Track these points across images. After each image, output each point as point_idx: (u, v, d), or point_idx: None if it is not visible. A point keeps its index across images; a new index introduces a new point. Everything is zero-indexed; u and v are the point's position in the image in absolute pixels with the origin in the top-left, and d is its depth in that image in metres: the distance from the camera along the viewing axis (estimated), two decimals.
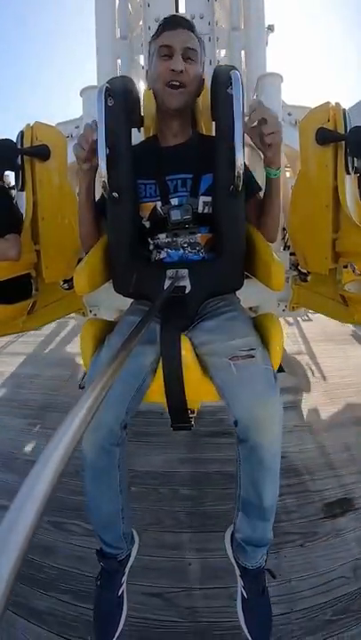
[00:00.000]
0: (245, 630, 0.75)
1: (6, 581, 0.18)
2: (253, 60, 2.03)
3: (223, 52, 2.25)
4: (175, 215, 0.89)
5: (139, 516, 1.15)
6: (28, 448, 1.51)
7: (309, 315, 2.84)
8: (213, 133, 0.94)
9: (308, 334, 2.81)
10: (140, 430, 1.57)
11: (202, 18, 2.06)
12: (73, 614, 0.88)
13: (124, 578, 0.81)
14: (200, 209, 0.91)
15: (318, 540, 1.06)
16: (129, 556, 0.83)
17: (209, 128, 1.11)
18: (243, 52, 2.13)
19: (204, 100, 0.98)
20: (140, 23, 2.21)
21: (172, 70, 0.86)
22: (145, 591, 0.93)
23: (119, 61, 2.14)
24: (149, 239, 0.94)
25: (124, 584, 0.81)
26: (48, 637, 0.83)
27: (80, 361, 1.94)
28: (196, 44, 0.89)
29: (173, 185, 0.91)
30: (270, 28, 2.52)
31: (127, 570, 0.82)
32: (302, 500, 1.20)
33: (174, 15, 0.93)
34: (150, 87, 0.95)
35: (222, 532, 0.89)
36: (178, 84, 0.87)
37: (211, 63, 2.07)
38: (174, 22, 0.88)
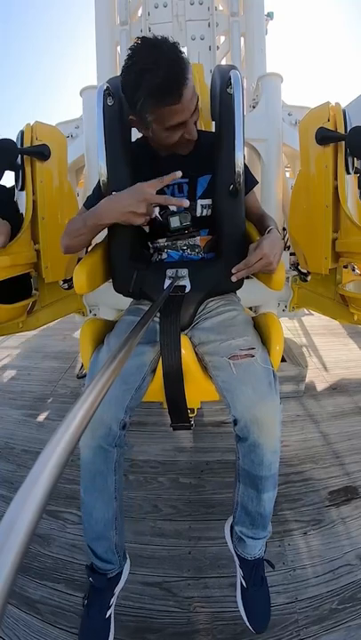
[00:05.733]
0: (245, 619, 0.76)
1: (6, 578, 0.18)
2: (253, 47, 2.03)
3: (223, 39, 2.25)
4: (174, 222, 0.89)
5: (137, 505, 1.15)
6: (24, 439, 1.52)
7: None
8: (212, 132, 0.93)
9: (310, 327, 2.81)
10: (139, 420, 1.58)
11: (201, 4, 2.06)
12: (67, 603, 0.88)
13: (114, 600, 0.77)
14: (198, 212, 0.90)
15: (323, 528, 1.06)
16: (120, 575, 0.79)
17: (208, 125, 1.11)
18: (242, 39, 2.13)
19: (204, 99, 0.98)
20: (140, 9, 2.20)
21: (188, 139, 0.81)
22: (143, 580, 0.93)
23: (118, 48, 2.13)
24: (149, 243, 0.94)
25: (113, 607, 0.77)
26: (42, 627, 0.83)
27: (78, 355, 1.94)
28: (192, 84, 0.74)
29: (170, 191, 0.90)
30: (270, 16, 2.51)
31: (117, 592, 0.78)
32: (306, 488, 1.20)
33: (174, 80, 0.70)
34: (144, 133, 0.84)
35: (222, 520, 0.89)
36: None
37: (210, 49, 2.07)
38: (177, 92, 0.71)
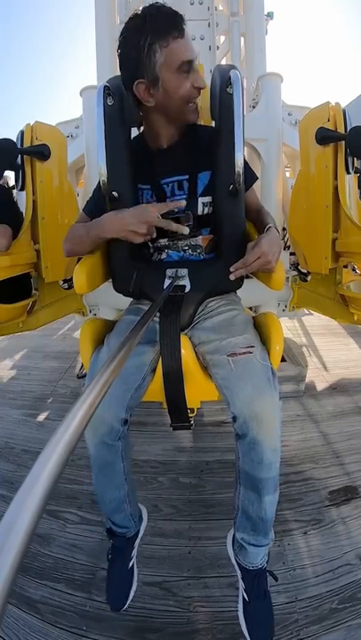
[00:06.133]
0: (246, 635, 0.74)
1: (6, 577, 0.18)
2: (253, 47, 2.03)
3: (223, 39, 2.25)
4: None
5: None
6: (25, 439, 1.52)
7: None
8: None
9: (310, 327, 2.82)
10: (139, 420, 1.59)
11: (201, 3, 2.06)
12: (67, 603, 0.88)
13: (134, 552, 0.86)
14: (200, 211, 0.89)
15: (323, 528, 1.06)
16: (138, 533, 0.88)
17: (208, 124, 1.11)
18: (242, 39, 2.12)
19: (204, 99, 0.98)
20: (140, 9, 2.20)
21: (196, 87, 0.80)
22: (144, 580, 0.93)
23: None
24: (149, 243, 0.93)
25: (134, 558, 0.86)
26: (42, 627, 0.83)
27: (78, 355, 1.95)
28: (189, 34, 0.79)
29: (170, 189, 0.89)
30: (270, 16, 2.51)
31: (136, 544, 0.87)
32: (306, 488, 1.20)
33: (175, 14, 0.76)
34: (154, 103, 0.80)
35: (222, 519, 0.89)
36: (198, 96, 0.83)
37: (210, 49, 2.07)
38: (180, 24, 0.75)
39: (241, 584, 0.79)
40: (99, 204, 0.91)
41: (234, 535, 0.81)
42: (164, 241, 0.91)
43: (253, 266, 0.78)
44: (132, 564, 0.85)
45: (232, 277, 0.83)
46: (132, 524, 0.85)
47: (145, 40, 0.74)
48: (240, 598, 0.79)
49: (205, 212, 0.89)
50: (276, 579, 0.82)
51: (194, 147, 0.88)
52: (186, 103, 0.81)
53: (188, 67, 0.77)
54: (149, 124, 0.88)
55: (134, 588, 0.84)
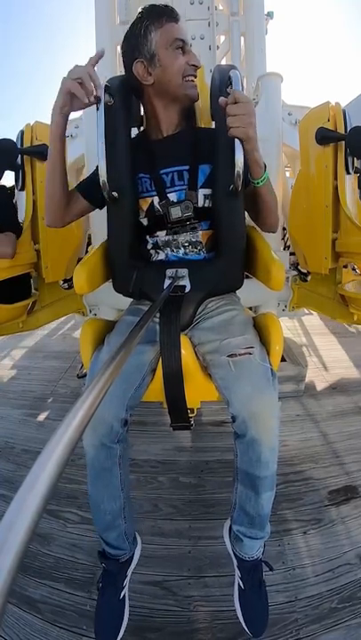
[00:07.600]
0: (242, 621, 0.76)
1: (6, 577, 0.18)
2: (253, 47, 2.03)
3: (223, 38, 2.25)
4: (175, 213, 0.86)
5: (137, 505, 1.15)
6: (25, 438, 1.52)
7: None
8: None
9: (310, 327, 2.82)
10: (139, 420, 1.59)
11: (201, 3, 2.07)
12: (67, 602, 0.88)
13: (127, 581, 0.81)
14: (200, 203, 0.87)
15: (322, 528, 1.06)
16: (131, 558, 0.83)
17: (208, 125, 1.11)
18: (242, 39, 2.13)
19: (204, 99, 0.98)
20: (140, 9, 2.20)
21: (192, 65, 0.84)
22: (144, 580, 0.93)
23: (118, 48, 2.13)
24: (148, 237, 0.92)
25: (127, 587, 0.81)
26: (42, 626, 0.83)
27: (78, 354, 1.95)
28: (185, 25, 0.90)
29: (169, 178, 0.87)
30: (270, 15, 2.51)
31: (129, 573, 0.82)
32: (306, 487, 1.20)
33: (170, 7, 0.85)
34: (152, 81, 0.83)
35: (222, 519, 0.89)
36: (195, 76, 0.86)
37: (210, 49, 2.07)
38: (174, 13, 0.85)
39: (237, 572, 0.80)
40: (92, 184, 0.87)
41: (231, 526, 0.82)
42: (162, 234, 0.90)
43: (230, 109, 0.70)
44: (125, 595, 0.80)
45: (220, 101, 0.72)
46: (126, 545, 0.80)
47: (142, 24, 0.82)
48: (236, 585, 0.80)
49: (206, 204, 0.87)
50: (271, 568, 0.82)
51: (195, 139, 0.87)
52: (182, 78, 0.83)
53: (181, 44, 0.83)
54: (150, 110, 0.88)
55: (125, 622, 0.77)
